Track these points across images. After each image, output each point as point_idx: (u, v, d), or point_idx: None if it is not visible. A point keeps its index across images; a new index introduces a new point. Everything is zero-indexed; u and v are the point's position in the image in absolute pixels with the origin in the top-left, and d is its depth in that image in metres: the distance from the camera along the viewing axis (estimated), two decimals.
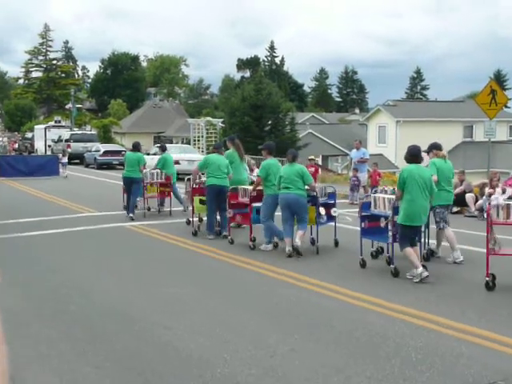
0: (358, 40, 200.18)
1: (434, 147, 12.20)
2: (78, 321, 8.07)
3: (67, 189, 25.99)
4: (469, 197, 18.36)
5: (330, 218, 12.87)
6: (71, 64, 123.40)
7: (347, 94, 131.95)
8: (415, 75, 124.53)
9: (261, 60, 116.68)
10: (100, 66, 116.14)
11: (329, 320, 7.98)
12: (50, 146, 51.50)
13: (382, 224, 10.61)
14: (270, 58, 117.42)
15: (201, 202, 14.68)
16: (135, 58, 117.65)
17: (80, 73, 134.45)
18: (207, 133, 41.25)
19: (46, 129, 54.60)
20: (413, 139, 47.14)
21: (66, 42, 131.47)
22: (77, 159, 44.32)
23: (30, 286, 10.04)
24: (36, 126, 61.06)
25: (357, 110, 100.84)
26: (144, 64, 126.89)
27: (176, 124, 74.59)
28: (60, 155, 37.16)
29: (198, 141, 41.47)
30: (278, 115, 50.14)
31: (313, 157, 23.53)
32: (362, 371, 6.25)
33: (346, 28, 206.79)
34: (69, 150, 44.10)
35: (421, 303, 8.69)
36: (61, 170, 34.09)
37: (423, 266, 9.97)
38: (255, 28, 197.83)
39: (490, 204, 9.40)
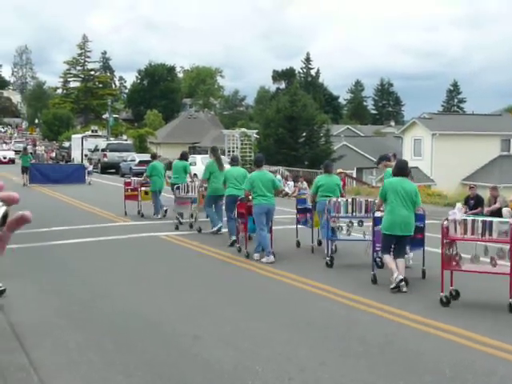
0: (394, 52, 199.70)
1: (384, 159, 13.18)
2: (107, 330, 8.11)
3: (101, 198, 26.19)
4: (505, 211, 18.10)
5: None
6: (108, 74, 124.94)
7: (383, 107, 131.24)
8: (452, 88, 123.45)
9: (296, 72, 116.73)
10: (137, 77, 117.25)
11: (360, 334, 7.90)
12: (86, 156, 52.08)
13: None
14: (305, 70, 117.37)
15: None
16: (171, 69, 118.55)
17: (117, 83, 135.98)
18: (242, 144, 41.32)
19: (82, 138, 55.23)
20: (449, 152, 46.91)
21: (104, 53, 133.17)
22: (112, 168, 44.74)
23: (63, 295, 10.13)
24: (73, 136, 61.83)
25: (392, 123, 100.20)
26: (180, 75, 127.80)
27: (211, 135, 74.84)
28: (87, 163, 39.32)
29: (233, 151, 41.57)
30: (313, 127, 50.03)
31: (340, 170, 23.33)
32: None
33: (382, 40, 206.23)
34: (105, 159, 44.63)
35: (455, 319, 8.55)
36: (87, 178, 35.50)
37: (405, 280, 10.05)
38: (291, 40, 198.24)
39: (447, 219, 9.41)
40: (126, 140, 60.36)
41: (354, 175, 36.63)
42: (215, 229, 15.96)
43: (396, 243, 10.38)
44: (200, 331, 7.97)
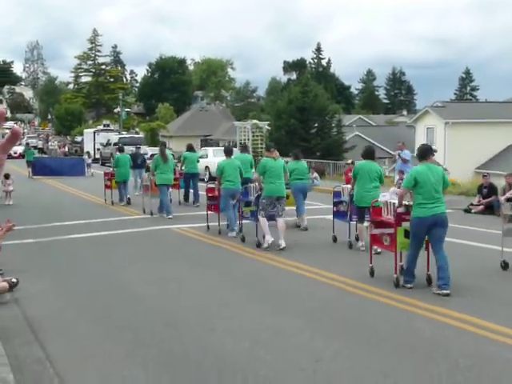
0: (405, 41, 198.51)
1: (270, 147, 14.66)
2: (123, 322, 8.15)
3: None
4: None
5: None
6: (119, 68, 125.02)
7: (395, 96, 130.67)
8: (464, 76, 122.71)
9: (307, 62, 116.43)
10: (147, 70, 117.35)
11: (375, 324, 7.89)
12: (98, 150, 52.24)
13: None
14: (316, 60, 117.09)
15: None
16: (182, 62, 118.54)
17: (128, 77, 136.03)
18: (253, 136, 41.25)
19: (95, 133, 55.43)
20: (462, 141, 46.58)
21: (115, 47, 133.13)
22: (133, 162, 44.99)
23: (79, 288, 10.18)
24: (85, 130, 62.02)
25: (404, 112, 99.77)
26: (191, 67, 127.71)
27: (223, 127, 74.84)
28: (86, 157, 41.78)
29: (245, 143, 41.53)
30: (325, 117, 49.90)
31: (350, 161, 23.12)
32: (410, 377, 6.17)
33: (394, 29, 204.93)
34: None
35: (470, 308, 8.52)
36: (87, 170, 37.32)
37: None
38: (302, 30, 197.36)
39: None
40: (137, 134, 60.46)
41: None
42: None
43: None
44: (215, 324, 7.99)
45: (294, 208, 16.02)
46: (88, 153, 45.00)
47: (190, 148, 22.42)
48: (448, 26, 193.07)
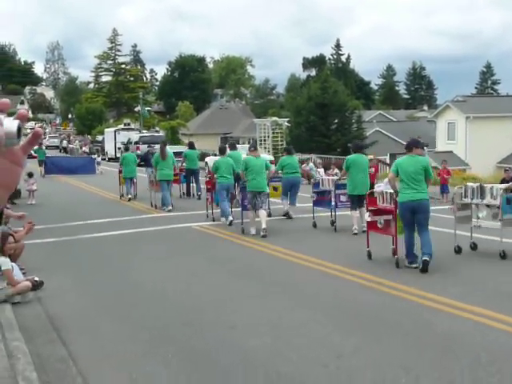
0: (425, 35, 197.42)
1: (253, 147, 16.45)
2: (145, 320, 8.19)
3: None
4: None
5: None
6: (139, 67, 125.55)
7: (415, 91, 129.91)
8: (485, 70, 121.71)
9: (327, 58, 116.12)
10: (167, 69, 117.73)
11: (395, 320, 7.87)
12: (119, 149, 52.45)
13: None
14: (335, 56, 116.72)
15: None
16: (201, 60, 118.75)
17: (148, 76, 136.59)
18: (273, 133, 41.27)
19: (115, 132, 55.65)
20: (483, 135, 46.26)
21: (134, 46, 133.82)
22: (146, 160, 45.15)
23: (101, 286, 10.25)
24: (106, 130, 62.32)
25: (425, 107, 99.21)
26: (210, 65, 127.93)
27: (242, 124, 74.86)
28: (95, 155, 43.46)
29: (265, 141, 41.54)
30: (345, 113, 49.72)
31: (371, 156, 22.86)
32: (431, 372, 6.14)
33: (414, 23, 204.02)
34: (138, 151, 45.25)
35: (490, 303, 8.47)
36: (97, 168, 38.49)
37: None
38: (321, 26, 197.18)
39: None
40: (158, 132, 60.65)
41: (388, 161, 36.26)
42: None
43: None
44: (236, 320, 8.01)
45: (280, 200, 17.77)
46: (97, 150, 48.10)
47: (191, 146, 23.78)
48: (469, 20, 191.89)
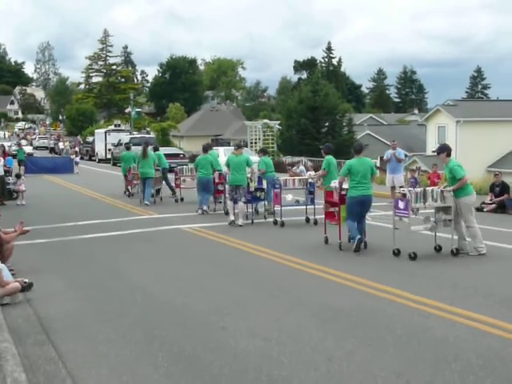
0: (416, 39, 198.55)
1: (237, 146, 18.43)
2: (136, 322, 8.15)
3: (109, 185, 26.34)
4: None
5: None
6: (130, 69, 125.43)
7: (406, 95, 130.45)
8: (475, 74, 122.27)
9: (318, 61, 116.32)
10: (158, 70, 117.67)
11: (387, 324, 7.86)
12: (110, 150, 52.31)
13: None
14: (327, 60, 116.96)
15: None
16: (193, 62, 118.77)
17: (139, 77, 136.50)
18: (264, 135, 41.30)
19: (106, 133, 55.56)
20: (473, 139, 46.45)
21: (125, 47, 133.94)
22: None
23: (92, 288, 10.19)
24: (96, 131, 62.21)
25: (416, 111, 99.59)
26: (201, 67, 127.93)
27: (233, 127, 74.96)
28: (73, 156, 45.21)
29: (255, 143, 41.56)
30: (335, 116, 49.91)
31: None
32: (422, 376, 6.13)
33: (405, 27, 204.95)
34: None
35: (482, 308, 8.48)
36: (75, 168, 40.70)
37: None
38: (313, 29, 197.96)
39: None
40: (148, 133, 60.57)
41: (378, 164, 36.25)
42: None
43: None
44: (228, 322, 7.98)
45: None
46: (76, 151, 50.70)
47: (156, 149, 24.88)
48: (460, 25, 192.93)
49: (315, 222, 16.24)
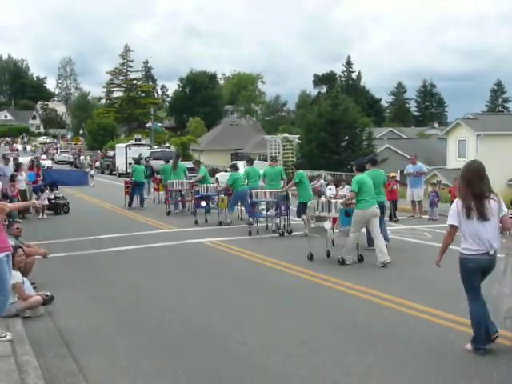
0: (436, 53, 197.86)
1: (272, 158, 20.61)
2: (156, 336, 8.18)
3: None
4: None
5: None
6: (151, 83, 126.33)
7: (426, 108, 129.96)
8: (496, 88, 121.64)
9: (337, 75, 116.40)
10: (178, 85, 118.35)
11: (407, 337, 7.82)
12: (130, 164, 52.53)
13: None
14: (346, 74, 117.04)
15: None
16: (213, 77, 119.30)
17: (159, 92, 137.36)
18: (284, 149, 41.31)
19: (126, 147, 55.80)
20: (494, 153, 46.11)
21: (146, 62, 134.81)
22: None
23: (113, 301, 10.24)
24: (117, 145, 62.48)
25: (436, 124, 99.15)
26: (221, 82, 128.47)
27: (253, 141, 75.00)
28: (88, 169, 47.55)
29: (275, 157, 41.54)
30: (355, 130, 49.80)
31: (393, 174, 22.55)
32: None
33: (424, 41, 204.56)
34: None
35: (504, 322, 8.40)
36: (90, 180, 41.99)
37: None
38: (332, 43, 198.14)
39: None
40: (168, 148, 60.82)
41: (398, 178, 36.13)
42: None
43: None
44: (247, 337, 7.98)
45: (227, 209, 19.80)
46: (90, 165, 53.39)
47: (137, 162, 27.26)
48: (480, 38, 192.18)
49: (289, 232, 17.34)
